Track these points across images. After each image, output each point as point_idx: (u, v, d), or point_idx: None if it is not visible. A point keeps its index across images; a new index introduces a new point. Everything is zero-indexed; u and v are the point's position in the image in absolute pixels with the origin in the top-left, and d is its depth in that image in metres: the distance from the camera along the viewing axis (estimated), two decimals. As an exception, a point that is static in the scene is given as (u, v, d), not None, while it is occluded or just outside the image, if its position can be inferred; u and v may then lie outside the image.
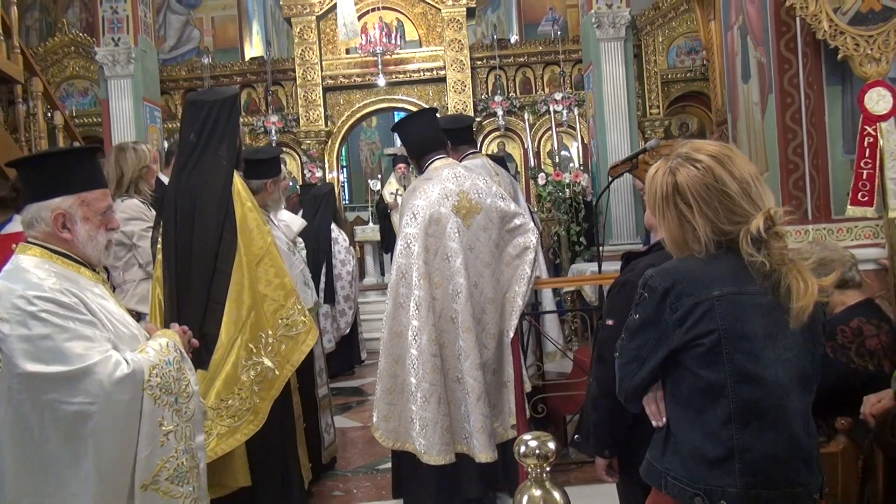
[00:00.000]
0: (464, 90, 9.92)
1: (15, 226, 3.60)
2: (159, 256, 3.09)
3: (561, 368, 4.86)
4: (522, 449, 1.22)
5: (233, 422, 2.87)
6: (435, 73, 10.09)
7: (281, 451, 3.17)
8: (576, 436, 2.57)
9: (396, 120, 14.43)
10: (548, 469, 1.21)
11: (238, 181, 3.13)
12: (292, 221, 4.16)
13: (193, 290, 2.97)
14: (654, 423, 1.55)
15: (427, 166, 3.39)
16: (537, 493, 1.18)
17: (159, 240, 3.11)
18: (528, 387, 3.34)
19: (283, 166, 4.40)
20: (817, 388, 1.55)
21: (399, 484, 3.30)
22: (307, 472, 3.36)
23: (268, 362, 2.98)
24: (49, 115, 5.92)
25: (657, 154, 3.68)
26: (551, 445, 1.23)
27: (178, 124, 3.27)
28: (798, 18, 3.34)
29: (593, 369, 2.25)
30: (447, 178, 3.28)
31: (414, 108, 9.60)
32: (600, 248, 4.73)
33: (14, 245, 2.02)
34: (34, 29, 10.99)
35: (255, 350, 2.97)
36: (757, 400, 1.41)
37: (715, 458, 1.42)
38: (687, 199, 1.48)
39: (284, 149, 10.07)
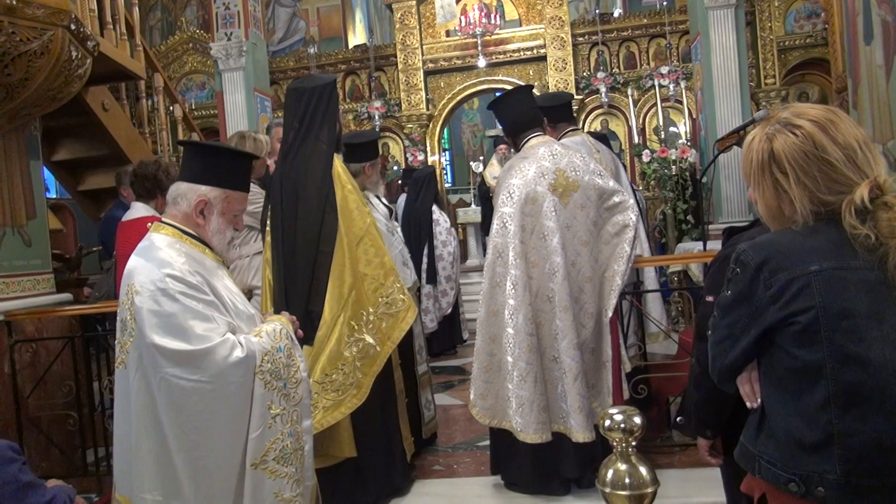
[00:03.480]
0: (565, 68, 9.74)
1: (135, 212, 3.89)
2: (268, 238, 3.25)
3: (666, 350, 4.72)
4: (608, 423, 1.21)
5: (337, 395, 3.00)
6: (535, 51, 9.96)
7: (384, 424, 3.27)
8: (678, 417, 2.51)
9: (497, 101, 14.15)
10: (634, 444, 1.19)
11: (338, 164, 3.23)
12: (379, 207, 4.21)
13: (299, 270, 3.11)
14: (748, 405, 1.49)
15: (523, 144, 3.37)
16: (623, 467, 1.16)
17: (268, 223, 3.27)
18: (627, 367, 3.27)
19: (380, 149, 4.49)
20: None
21: (497, 461, 3.33)
22: (409, 445, 3.46)
23: (369, 339, 3.08)
24: (170, 108, 6.33)
25: (767, 125, 3.48)
26: (637, 420, 1.21)
27: (284, 115, 3.43)
28: (929, -30, 3.06)
29: (694, 347, 2.18)
30: (543, 156, 3.24)
31: (514, 89, 9.53)
32: (706, 226, 4.53)
33: (149, 224, 2.18)
34: (157, 28, 11.74)
35: (356, 327, 3.08)
36: (860, 382, 1.31)
37: (812, 442, 1.33)
38: (783, 168, 1.39)
39: (387, 133, 10.29)
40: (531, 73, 10.06)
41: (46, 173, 5.32)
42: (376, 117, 10.13)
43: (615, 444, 1.19)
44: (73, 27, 3.49)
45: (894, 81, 3.30)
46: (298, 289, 3.11)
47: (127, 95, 5.99)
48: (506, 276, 3.15)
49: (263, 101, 8.80)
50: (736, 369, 1.47)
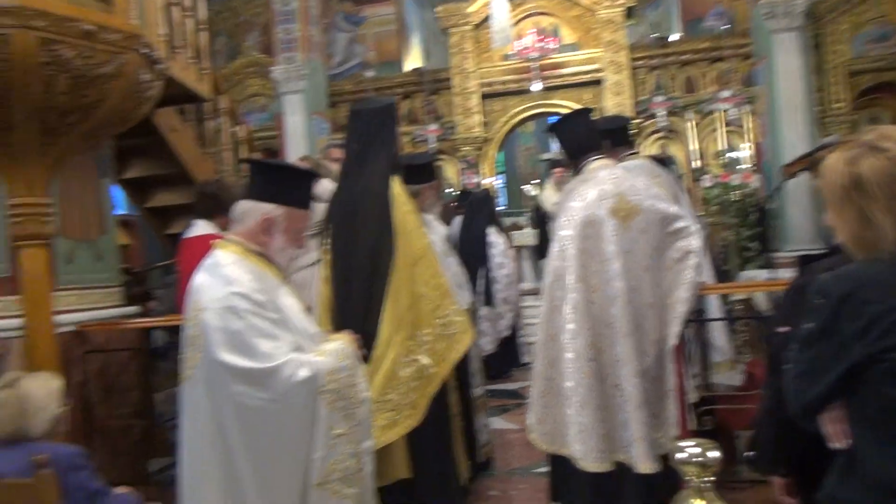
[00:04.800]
0: (622, 92, 9.67)
1: (196, 229, 3.98)
2: (327, 257, 3.28)
3: (730, 381, 4.56)
4: (681, 455, 1.14)
5: (393, 415, 2.98)
6: (592, 75, 9.92)
7: (439, 446, 3.24)
8: (749, 452, 2.41)
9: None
10: (710, 479, 1.13)
11: (397, 185, 3.25)
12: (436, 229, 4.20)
13: (356, 289, 3.13)
14: (834, 446, 1.40)
15: (583, 167, 3.33)
16: (700, 503, 1.10)
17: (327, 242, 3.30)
18: (691, 397, 3.17)
19: (439, 172, 4.52)
20: None
21: (556, 488, 3.25)
22: (465, 469, 3.41)
23: (425, 360, 3.06)
24: (233, 129, 6.50)
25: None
26: (713, 454, 1.14)
27: (345, 136, 3.48)
28: None
29: (766, 380, 2.09)
30: (604, 179, 3.20)
31: (570, 112, 9.48)
32: (773, 254, 4.39)
33: (212, 241, 2.21)
34: (221, 53, 12.09)
35: (413, 347, 3.06)
36: None
37: None
38: (870, 193, 1.32)
39: (442, 156, 10.36)
40: (587, 97, 10.00)
41: (115, 190, 5.51)
42: (431, 140, 10.21)
43: (690, 478, 1.13)
44: (144, 51, 3.62)
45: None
46: (355, 308, 3.12)
47: (192, 117, 6.17)
48: (564, 300, 3.10)
49: (321, 123, 8.99)
50: (818, 407, 1.39)
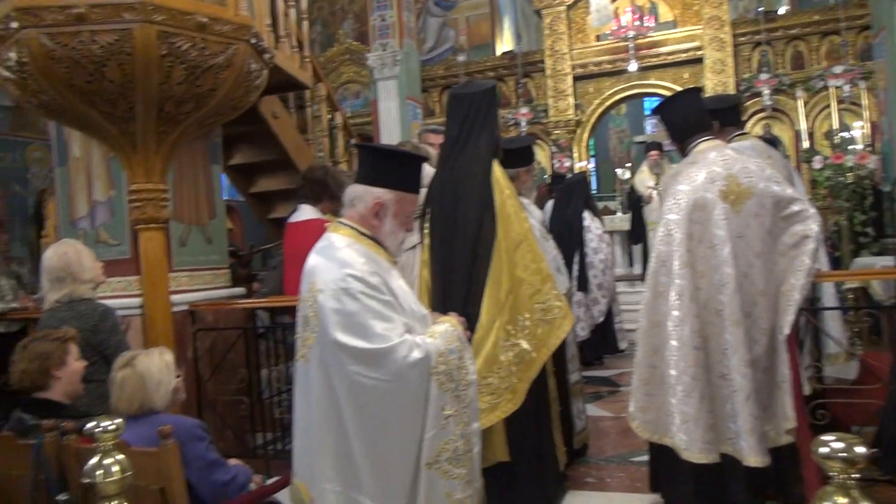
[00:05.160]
0: (724, 70, 9.26)
1: (302, 214, 4.10)
2: (426, 241, 3.31)
3: (841, 374, 4.32)
4: (824, 450, 1.08)
5: (492, 399, 2.99)
6: (691, 54, 9.54)
7: (537, 431, 3.23)
8: (873, 449, 2.28)
9: (648, 105, 13.85)
10: (856, 476, 1.07)
11: (497, 169, 3.23)
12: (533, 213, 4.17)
13: (457, 272, 3.14)
14: None
15: (691, 149, 3.21)
16: (844, 500, 1.05)
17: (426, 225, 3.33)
18: (806, 389, 3.02)
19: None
20: None
21: (657, 478, 3.19)
22: (563, 454, 3.39)
23: (525, 344, 3.05)
24: (330, 116, 6.66)
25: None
26: (860, 450, 1.08)
27: (436, 120, 3.48)
28: None
29: (894, 374, 1.97)
30: (714, 161, 3.08)
31: (667, 93, 9.18)
32: (892, 240, 4.10)
33: (325, 225, 2.27)
34: (317, 41, 12.40)
35: (513, 332, 3.05)
36: None
37: None
38: None
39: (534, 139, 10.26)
40: (686, 76, 9.64)
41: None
42: (523, 123, 10.12)
43: (834, 473, 1.07)
44: (253, 41, 3.74)
45: None
46: (456, 291, 3.13)
47: (291, 104, 6.35)
48: (670, 286, 3.01)
49: (415, 108, 9.06)
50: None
